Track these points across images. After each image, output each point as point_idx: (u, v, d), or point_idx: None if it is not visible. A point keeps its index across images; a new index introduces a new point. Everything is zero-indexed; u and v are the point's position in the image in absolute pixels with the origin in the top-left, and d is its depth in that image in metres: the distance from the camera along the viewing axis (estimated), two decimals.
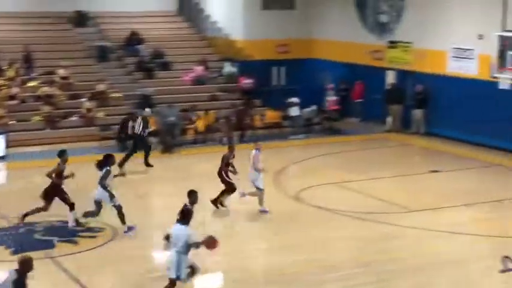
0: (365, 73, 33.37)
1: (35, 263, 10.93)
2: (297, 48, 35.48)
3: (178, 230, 13.09)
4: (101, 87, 30.59)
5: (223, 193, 19.72)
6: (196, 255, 13.50)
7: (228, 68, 34.10)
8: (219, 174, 19.73)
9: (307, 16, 35.68)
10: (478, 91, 27.54)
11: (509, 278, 15.07)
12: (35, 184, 22.71)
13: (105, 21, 36.25)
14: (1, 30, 33.48)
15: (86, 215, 18.13)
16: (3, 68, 30.53)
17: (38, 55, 32.06)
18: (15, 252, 16.05)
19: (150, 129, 25.59)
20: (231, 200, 19.76)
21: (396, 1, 31.52)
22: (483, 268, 15.49)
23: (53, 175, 18.04)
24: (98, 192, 17.74)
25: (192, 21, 38.30)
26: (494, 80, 24.16)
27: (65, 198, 18.14)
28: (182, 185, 19.62)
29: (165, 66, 33.80)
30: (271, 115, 30.60)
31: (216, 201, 19.65)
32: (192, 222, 13.24)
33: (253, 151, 19.62)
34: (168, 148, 27.09)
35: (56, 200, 18.12)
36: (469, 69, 28.08)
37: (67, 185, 18.26)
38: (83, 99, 29.81)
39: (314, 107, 31.11)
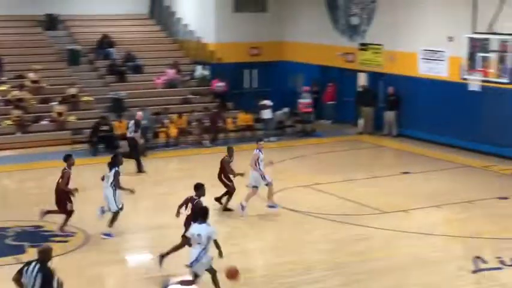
0: (337, 75, 33.52)
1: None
2: (268, 51, 35.53)
3: (199, 229, 13.31)
4: (72, 90, 30.45)
5: (227, 196, 19.70)
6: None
7: (200, 71, 34.11)
8: (219, 178, 19.73)
9: (279, 19, 35.74)
10: (448, 93, 27.75)
11: (481, 278, 15.16)
12: (5, 188, 22.62)
13: (76, 25, 36.11)
14: None
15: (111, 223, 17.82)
16: None
17: (8, 59, 31.87)
18: None
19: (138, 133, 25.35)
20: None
21: (367, 4, 31.66)
22: (455, 269, 15.57)
23: (67, 186, 17.70)
24: (109, 196, 17.69)
25: (164, 24, 38.26)
26: (465, 81, 24.32)
27: (66, 203, 17.87)
28: (154, 189, 19.68)
29: (137, 70, 33.72)
30: (243, 118, 30.59)
31: (220, 199, 19.79)
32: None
33: (255, 151, 19.74)
34: (140, 152, 26.96)
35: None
36: (440, 71, 28.28)
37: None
38: (54, 103, 29.65)
39: (286, 110, 31.16)
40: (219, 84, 33.02)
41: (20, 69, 31.47)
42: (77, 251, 16.85)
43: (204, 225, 13.41)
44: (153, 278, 15.14)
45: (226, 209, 19.70)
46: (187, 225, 14.99)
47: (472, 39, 23.37)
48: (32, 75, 30.80)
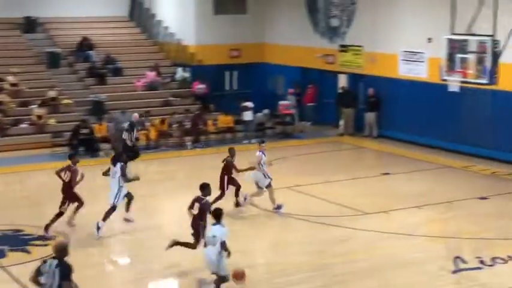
0: (317, 77, 33.59)
1: None
2: (249, 53, 35.54)
3: (214, 231, 13.63)
4: (51, 93, 30.32)
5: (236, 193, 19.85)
6: None
7: (181, 73, 34.06)
8: (221, 178, 19.79)
9: (259, 21, 35.77)
10: (428, 94, 27.88)
11: (462, 278, 15.24)
12: None
13: (55, 27, 35.98)
14: None
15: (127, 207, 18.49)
16: None
17: None
18: None
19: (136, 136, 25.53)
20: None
21: (347, 5, 31.74)
22: (436, 269, 15.63)
23: (75, 180, 18.02)
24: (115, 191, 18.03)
25: (144, 26, 38.20)
26: (444, 82, 24.41)
27: (64, 202, 18.08)
28: (134, 191, 19.57)
29: (117, 72, 33.63)
30: (224, 120, 30.58)
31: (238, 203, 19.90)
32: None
33: (258, 152, 19.82)
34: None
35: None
36: (419, 72, 28.40)
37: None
38: (34, 106, 29.51)
39: (266, 111, 31.17)
40: (199, 86, 33.00)
41: None
42: None
43: (218, 226, 13.70)
44: (138, 280, 15.13)
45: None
46: (194, 225, 15.23)
47: (451, 41, 23.44)
48: (11, 78, 30.64)
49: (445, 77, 23.99)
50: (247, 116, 30.32)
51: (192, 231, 15.28)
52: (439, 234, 18.21)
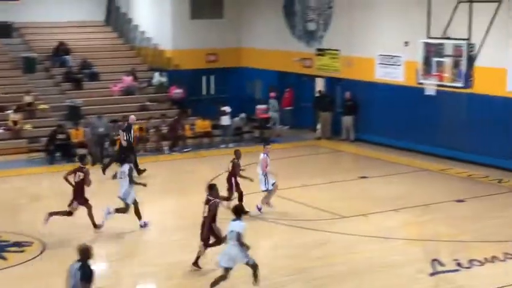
0: (294, 81, 33.64)
1: None
2: (226, 57, 35.53)
3: (234, 226, 14.04)
4: (27, 99, 30.13)
5: (240, 199, 19.90)
6: None
7: (158, 78, 33.98)
8: (229, 179, 19.96)
9: (235, 25, 35.77)
10: (405, 97, 27.99)
11: (440, 281, 15.30)
12: None
13: (31, 32, 35.78)
14: None
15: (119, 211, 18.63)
16: None
17: None
18: None
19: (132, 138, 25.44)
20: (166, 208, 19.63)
21: (324, 9, 31.82)
22: (414, 271, 15.68)
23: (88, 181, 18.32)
24: (126, 190, 18.43)
25: (120, 31, 38.09)
26: (420, 86, 24.54)
27: (72, 202, 18.29)
28: (110, 196, 19.52)
29: (94, 77, 33.49)
30: (201, 124, 30.51)
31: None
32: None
33: (262, 155, 20.05)
34: (97, 160, 26.76)
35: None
36: (396, 75, 28.51)
37: None
38: (9, 112, 29.29)
39: (243, 115, 31.15)
40: (176, 91, 32.95)
41: None
42: (34, 260, 16.64)
43: (237, 221, 14.09)
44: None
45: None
46: (203, 227, 15.55)
47: (427, 44, 23.57)
48: None
49: (422, 81, 24.11)
50: (225, 120, 30.29)
51: (205, 235, 15.59)
52: (416, 237, 18.29)
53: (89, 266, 11.14)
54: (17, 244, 17.55)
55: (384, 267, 16.00)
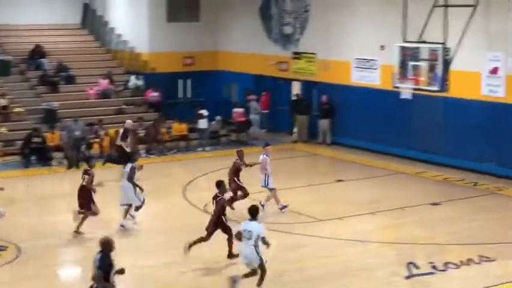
0: (271, 84, 33.66)
1: None
2: (202, 61, 35.50)
3: (250, 226, 14.25)
4: (2, 102, 29.96)
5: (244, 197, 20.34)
6: None
7: (134, 81, 33.88)
8: (231, 181, 20.28)
9: (212, 28, 35.75)
10: (381, 101, 28.10)
11: (415, 284, 15.36)
12: None
13: (6, 35, 35.52)
14: None
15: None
16: None
17: None
18: None
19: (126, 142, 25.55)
20: (139, 212, 19.57)
21: (300, 13, 31.88)
22: (389, 274, 15.74)
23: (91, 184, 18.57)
24: (125, 193, 19.02)
25: (97, 34, 37.96)
26: (396, 90, 24.64)
27: (82, 204, 18.47)
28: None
29: (70, 80, 33.34)
30: (177, 128, 30.44)
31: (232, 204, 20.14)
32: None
33: (262, 156, 20.38)
34: (73, 163, 26.64)
35: None
36: (372, 79, 28.62)
37: None
38: None
39: (218, 118, 31.10)
40: (153, 94, 32.88)
41: None
42: (10, 264, 16.52)
43: (254, 222, 14.28)
44: None
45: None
46: (211, 223, 16.15)
47: (403, 48, 23.68)
48: None
49: (398, 84, 24.22)
50: (203, 123, 30.25)
51: (212, 228, 16.14)
52: (392, 240, 18.34)
53: (108, 258, 11.66)
54: None
55: (360, 271, 16.05)
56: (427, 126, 26.72)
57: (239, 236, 14.47)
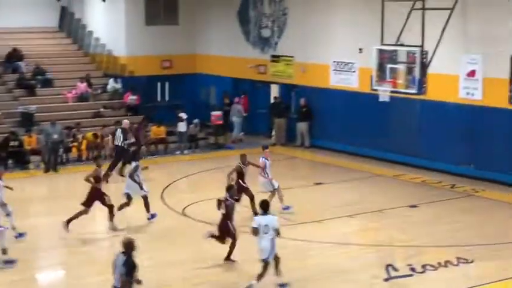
0: (249, 87, 33.67)
1: None
2: (181, 64, 35.46)
3: (266, 220, 14.76)
4: None
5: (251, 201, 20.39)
6: None
7: (112, 85, 33.76)
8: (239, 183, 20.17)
9: (190, 31, 35.72)
10: (359, 104, 28.19)
11: (394, 286, 15.42)
12: None
13: None
14: None
15: (120, 208, 19.29)
16: None
17: None
18: None
19: (131, 141, 25.66)
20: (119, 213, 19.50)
21: (278, 16, 31.92)
22: (368, 277, 15.77)
23: (91, 179, 18.85)
24: (127, 185, 19.47)
25: (75, 37, 37.82)
26: (375, 92, 24.73)
27: (104, 200, 18.85)
28: (65, 204, 19.36)
29: (47, 83, 33.17)
30: (156, 131, 30.33)
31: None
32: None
33: (261, 158, 20.61)
34: (50, 167, 26.49)
35: None
36: (351, 82, 28.70)
37: None
38: None
39: (196, 121, 31.02)
40: (131, 98, 32.77)
41: None
42: None
43: (269, 216, 14.82)
44: None
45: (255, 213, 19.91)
46: (221, 225, 16.41)
47: (381, 51, 23.77)
48: None
49: (376, 87, 24.32)
50: (182, 127, 30.18)
51: (220, 232, 16.37)
52: (371, 243, 18.40)
53: (131, 260, 11.95)
54: None
55: (339, 273, 16.07)
56: (405, 129, 26.83)
57: (256, 232, 14.75)
